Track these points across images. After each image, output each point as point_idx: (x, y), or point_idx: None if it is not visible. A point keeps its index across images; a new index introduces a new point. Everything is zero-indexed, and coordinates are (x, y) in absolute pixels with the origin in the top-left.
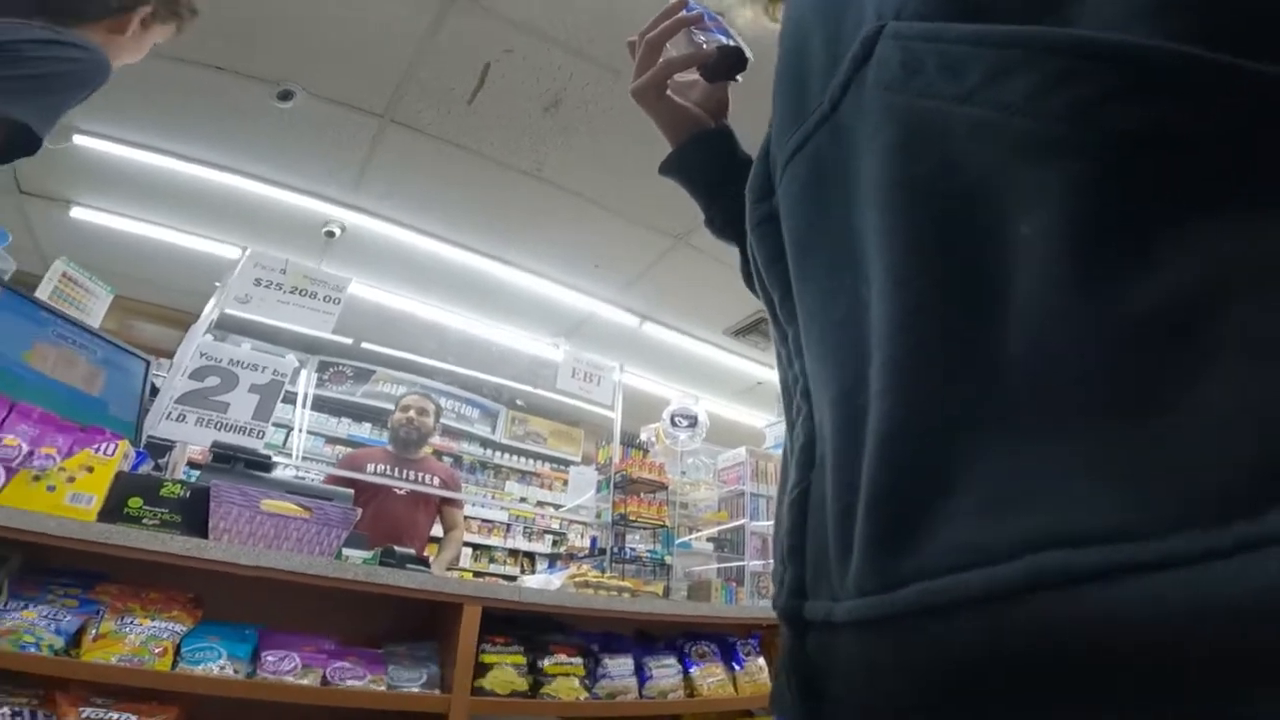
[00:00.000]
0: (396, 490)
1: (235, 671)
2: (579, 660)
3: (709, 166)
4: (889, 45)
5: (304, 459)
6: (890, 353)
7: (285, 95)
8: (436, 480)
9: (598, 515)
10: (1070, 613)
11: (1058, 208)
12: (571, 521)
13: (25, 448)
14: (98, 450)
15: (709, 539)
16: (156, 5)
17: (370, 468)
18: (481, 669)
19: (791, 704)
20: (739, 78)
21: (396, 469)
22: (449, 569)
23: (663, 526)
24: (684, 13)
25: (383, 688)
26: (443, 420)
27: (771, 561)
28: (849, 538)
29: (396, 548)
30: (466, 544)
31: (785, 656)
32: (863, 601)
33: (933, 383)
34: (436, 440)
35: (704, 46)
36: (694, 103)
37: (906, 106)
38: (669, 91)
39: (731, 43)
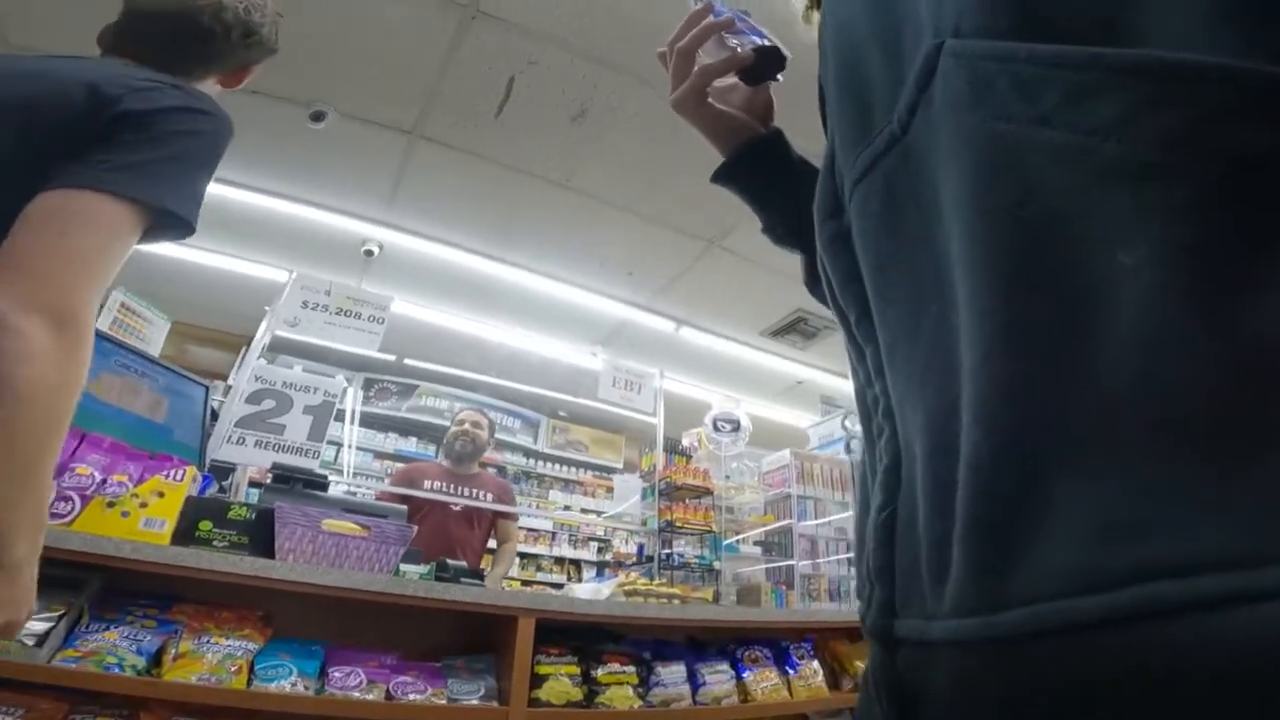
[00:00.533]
0: (452, 507)
1: (305, 688)
2: (632, 669)
3: (764, 174)
4: (950, 64)
5: (355, 475)
6: (984, 383)
7: (317, 116)
8: (490, 496)
9: (644, 522)
10: (1183, 639)
11: (1161, 235)
12: (616, 528)
13: (98, 476)
14: (167, 476)
15: (756, 542)
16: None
17: (426, 484)
18: (537, 680)
19: (883, 718)
20: (780, 77)
21: (451, 486)
22: (505, 568)
23: (709, 531)
24: (712, 17)
25: (443, 701)
26: None
27: (816, 564)
28: (945, 561)
29: (450, 561)
30: None
31: (876, 672)
32: (964, 622)
33: (1029, 412)
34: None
35: (739, 50)
36: (737, 107)
37: (980, 129)
38: (710, 99)
39: (767, 42)
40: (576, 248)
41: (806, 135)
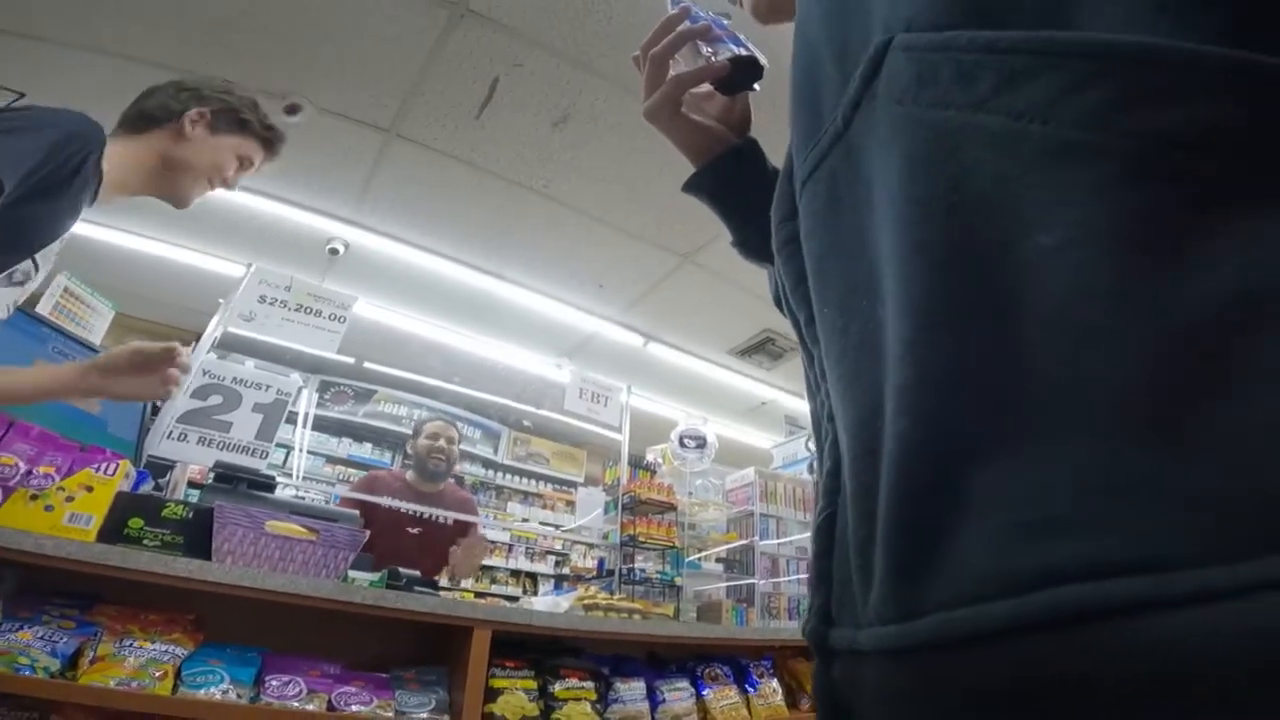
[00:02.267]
0: (409, 530)
1: (238, 696)
2: (590, 684)
3: (736, 186)
4: (899, 58)
5: (304, 479)
6: (904, 373)
7: (292, 109)
8: (448, 521)
9: (605, 536)
10: (1098, 648)
11: (1081, 217)
12: (575, 542)
13: (23, 466)
14: (98, 470)
15: (718, 559)
16: (215, 111)
17: (386, 499)
18: (492, 694)
19: None
20: (757, 86)
21: (412, 504)
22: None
23: (671, 547)
24: (688, 23)
25: (390, 714)
26: None
27: (776, 582)
28: (870, 565)
29: (402, 569)
30: None
31: (814, 683)
32: (883, 630)
33: (949, 402)
34: None
35: (714, 58)
36: (713, 117)
37: (918, 118)
38: (683, 109)
39: (744, 51)
40: (549, 257)
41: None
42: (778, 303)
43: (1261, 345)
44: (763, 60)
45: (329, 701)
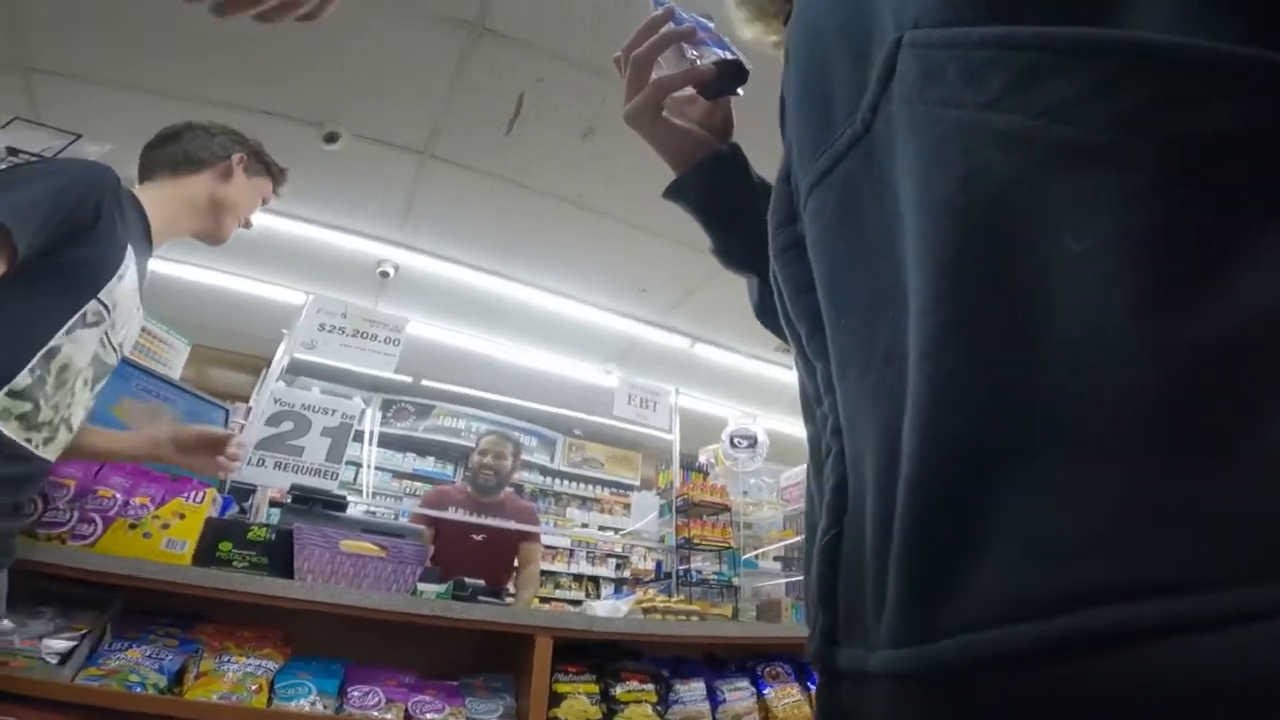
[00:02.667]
0: (474, 536)
1: (324, 707)
2: (651, 686)
3: (717, 192)
4: (908, 55)
5: (374, 494)
6: (919, 386)
7: (331, 137)
8: (512, 523)
9: (661, 540)
10: (1128, 672)
11: (1112, 221)
12: (634, 545)
13: (120, 498)
14: (188, 498)
15: (775, 558)
16: (249, 154)
17: (452, 510)
18: (555, 698)
19: None
20: (741, 91)
21: (474, 513)
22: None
23: (727, 548)
24: (672, 25)
25: None
26: None
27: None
28: (884, 586)
29: (468, 580)
30: None
31: (819, 704)
32: (897, 653)
33: (967, 416)
34: None
35: (699, 62)
36: (695, 122)
37: (928, 118)
38: (665, 112)
39: (729, 55)
40: (589, 265)
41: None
42: (760, 314)
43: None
44: (748, 64)
45: (405, 710)
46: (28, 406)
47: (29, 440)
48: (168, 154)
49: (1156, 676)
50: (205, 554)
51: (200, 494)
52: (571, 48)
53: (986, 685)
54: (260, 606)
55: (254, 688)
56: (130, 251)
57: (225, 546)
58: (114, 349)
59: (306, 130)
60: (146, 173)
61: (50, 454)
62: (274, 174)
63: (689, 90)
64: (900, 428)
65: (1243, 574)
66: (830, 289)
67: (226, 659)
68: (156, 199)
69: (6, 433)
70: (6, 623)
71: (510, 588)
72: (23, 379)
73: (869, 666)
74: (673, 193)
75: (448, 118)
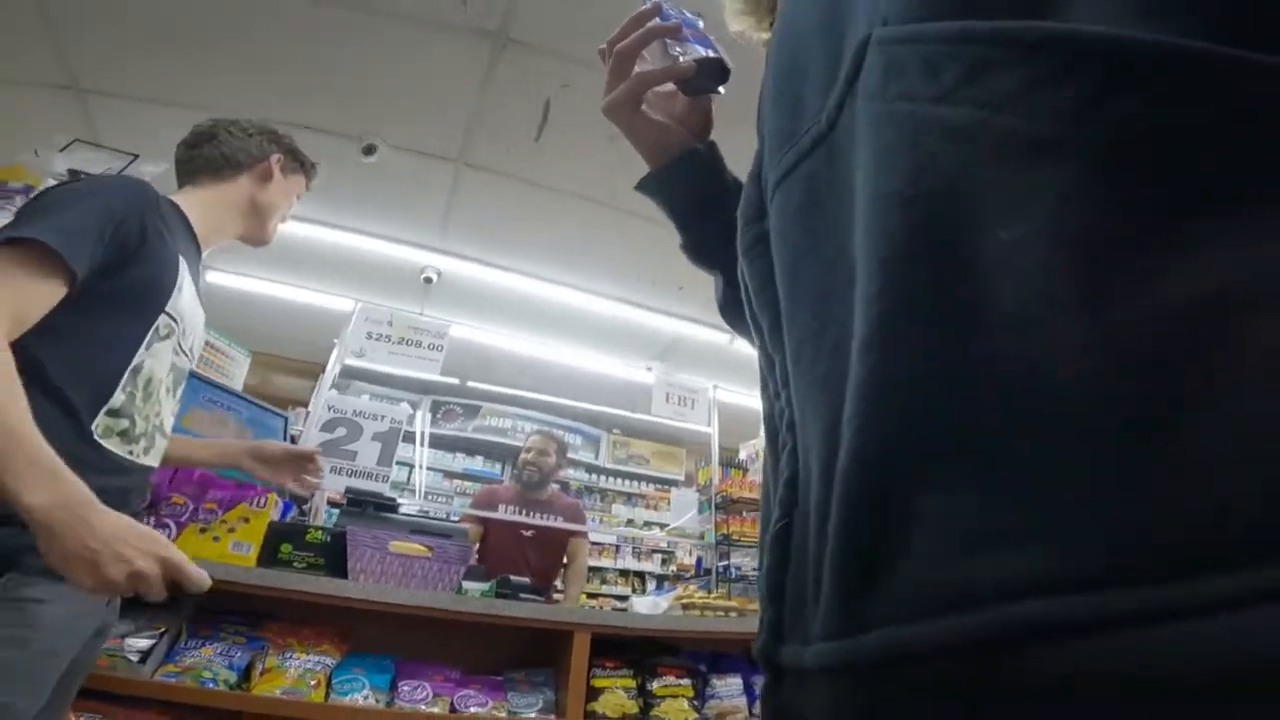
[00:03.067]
0: (523, 532)
1: (377, 701)
2: (687, 681)
3: (690, 189)
4: (874, 53)
5: (426, 495)
6: (859, 376)
7: (369, 150)
8: (560, 519)
9: (701, 536)
10: (1052, 669)
11: (1048, 212)
12: (679, 540)
13: (190, 504)
14: (252, 503)
15: None
16: (285, 153)
17: (501, 508)
18: (593, 693)
19: None
20: (722, 90)
21: (523, 510)
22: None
23: None
24: (658, 21)
25: (504, 714)
26: None
27: None
28: (821, 579)
29: (512, 577)
30: None
31: (762, 702)
32: (827, 646)
33: (899, 408)
34: None
35: (681, 59)
36: (675, 118)
37: (884, 113)
38: (645, 107)
39: (712, 54)
40: (625, 265)
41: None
42: (723, 310)
43: (1218, 357)
44: (729, 64)
45: (451, 704)
46: (126, 423)
47: (131, 452)
48: (206, 156)
49: (1074, 672)
50: (268, 556)
51: (263, 499)
52: (594, 53)
53: (909, 680)
54: (318, 605)
55: (313, 683)
56: (182, 262)
57: (286, 548)
58: (186, 354)
59: (346, 144)
60: (186, 176)
61: (152, 461)
62: (307, 171)
63: (670, 87)
64: (838, 420)
65: (1167, 570)
66: (788, 282)
67: (289, 655)
68: (199, 205)
69: (112, 449)
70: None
71: (559, 584)
72: (118, 398)
73: (804, 661)
74: (644, 186)
75: (479, 126)
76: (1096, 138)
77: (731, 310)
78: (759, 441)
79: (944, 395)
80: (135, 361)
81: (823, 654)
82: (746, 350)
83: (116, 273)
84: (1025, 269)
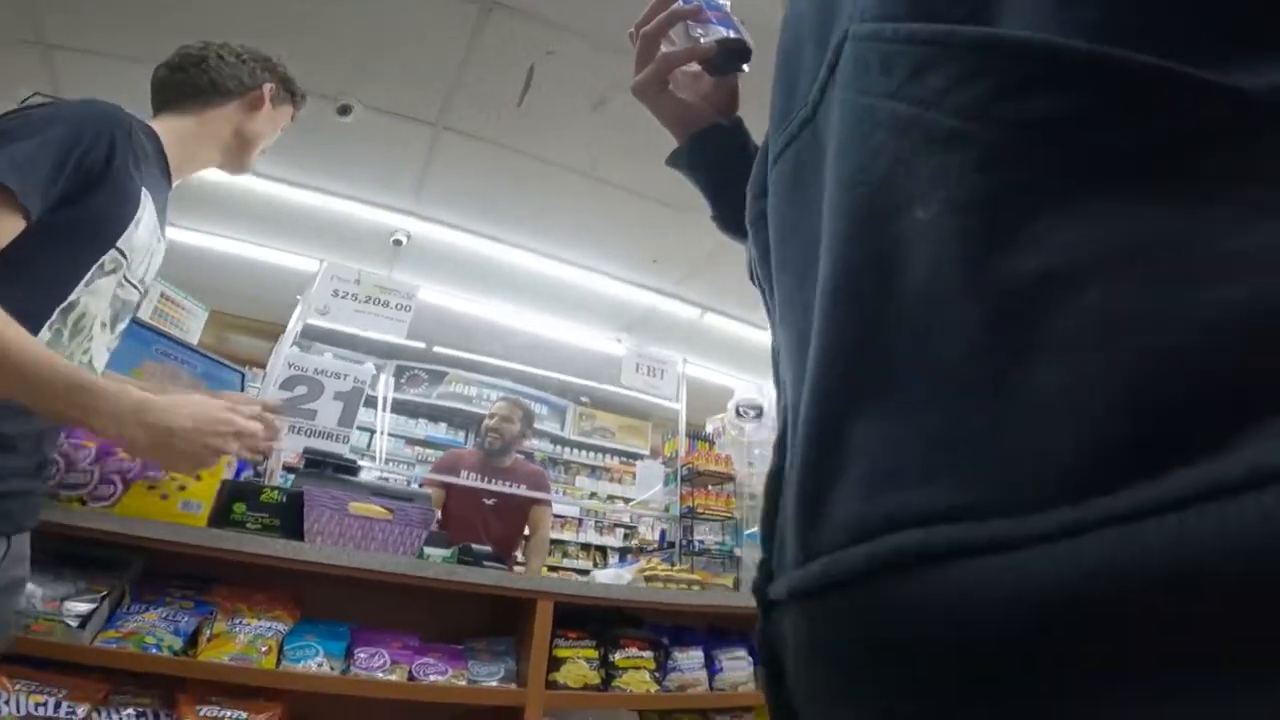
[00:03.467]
0: (484, 500)
1: (331, 668)
2: (649, 653)
3: (717, 162)
4: (849, 47)
5: (387, 460)
6: (814, 342)
7: (344, 110)
8: (522, 487)
9: (665, 509)
10: (923, 594)
11: (947, 195)
12: (642, 515)
13: (138, 460)
14: None
15: None
16: (278, 83)
17: (463, 474)
18: (555, 663)
19: (761, 684)
20: (746, 68)
21: (486, 477)
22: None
23: (731, 518)
24: (680, 4)
25: (464, 682)
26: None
27: None
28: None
29: (474, 545)
30: None
31: (756, 639)
32: (790, 575)
33: (841, 361)
34: None
35: (703, 40)
36: (702, 96)
37: (851, 104)
38: (671, 87)
39: (733, 34)
40: (600, 235)
41: None
42: (750, 275)
43: (1079, 310)
44: (750, 43)
45: (409, 672)
46: None
47: None
48: (192, 82)
49: (942, 597)
50: (220, 516)
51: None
52: (581, 20)
53: (841, 604)
54: (271, 569)
55: (264, 649)
56: (146, 195)
57: (239, 508)
58: (135, 286)
59: (321, 103)
60: (166, 101)
61: None
62: (296, 101)
63: (697, 67)
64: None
65: (1011, 504)
66: (777, 253)
67: (239, 621)
68: (177, 132)
69: None
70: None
71: (519, 555)
72: (43, 335)
73: (778, 593)
74: (673, 161)
75: (460, 90)
76: (991, 130)
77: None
78: (725, 416)
79: (868, 355)
80: (71, 299)
81: (788, 584)
82: (717, 325)
83: (73, 203)
84: (932, 241)
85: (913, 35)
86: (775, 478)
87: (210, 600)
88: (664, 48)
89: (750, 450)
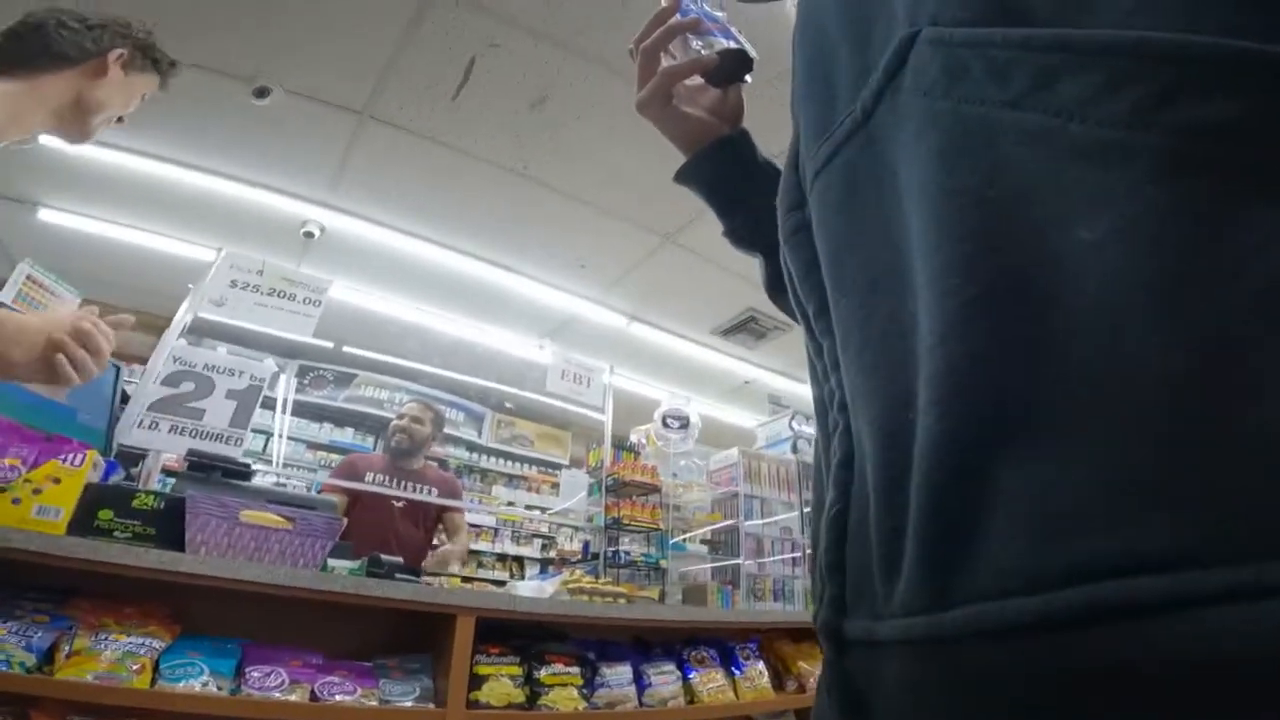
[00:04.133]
0: (395, 503)
1: (219, 688)
2: (576, 669)
3: (726, 175)
4: (926, 51)
5: (285, 465)
6: (937, 364)
7: (261, 92)
8: (434, 492)
9: (589, 519)
10: (1130, 647)
11: (1121, 212)
12: (561, 525)
13: None
14: (65, 460)
15: (703, 541)
16: (132, 50)
17: (369, 477)
18: (477, 681)
19: None
20: (749, 78)
21: (394, 480)
22: (458, 561)
23: (656, 529)
24: (678, 17)
25: (374, 703)
26: None
27: (761, 563)
28: (896, 557)
29: (384, 556)
30: None
31: (826, 674)
32: (910, 621)
33: (983, 392)
34: None
35: (703, 52)
36: (706, 108)
37: (951, 112)
38: (675, 100)
39: (733, 44)
40: (528, 237)
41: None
42: (770, 291)
43: None
44: (752, 53)
45: (312, 691)
46: None
47: None
48: (27, 47)
49: (1151, 652)
50: (82, 523)
51: (79, 456)
52: (531, 16)
53: (991, 655)
54: (145, 581)
55: (135, 667)
56: None
57: (105, 515)
58: None
59: (234, 84)
60: None
61: None
62: (163, 70)
63: (699, 79)
64: (903, 404)
65: (1238, 552)
66: (833, 270)
67: (104, 637)
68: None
69: None
70: None
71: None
72: None
73: (879, 634)
74: (681, 176)
75: (392, 78)
76: (1162, 139)
77: (777, 292)
78: (650, 427)
79: (1027, 379)
80: None
81: (904, 628)
82: (643, 336)
83: None
84: (1106, 265)
85: (1033, 40)
86: (843, 511)
87: (68, 614)
88: (664, 62)
89: (675, 462)
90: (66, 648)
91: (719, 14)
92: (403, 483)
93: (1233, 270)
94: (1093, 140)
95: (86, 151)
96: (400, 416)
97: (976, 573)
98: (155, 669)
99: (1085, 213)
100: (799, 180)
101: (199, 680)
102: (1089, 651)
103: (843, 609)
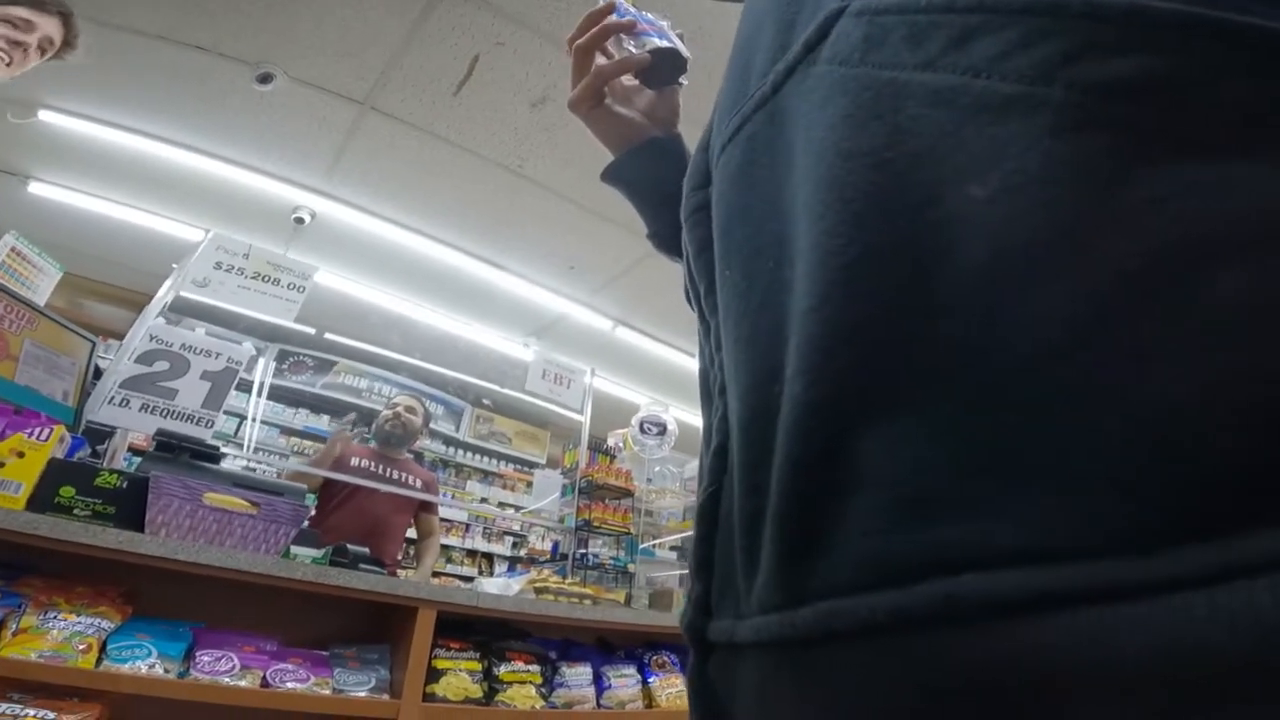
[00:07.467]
0: (378, 489)
1: (166, 671)
2: (536, 668)
3: (651, 177)
4: (849, 23)
5: (256, 450)
6: (809, 330)
7: (265, 78)
8: (418, 483)
9: (561, 520)
10: (994, 653)
11: (1014, 167)
12: (533, 524)
13: None
14: (30, 434)
15: (672, 547)
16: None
17: (354, 461)
18: (434, 674)
19: None
20: (684, 80)
21: (380, 467)
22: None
23: (626, 533)
24: (614, 17)
25: (327, 691)
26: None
27: None
28: (757, 545)
29: (350, 545)
30: None
31: (689, 680)
32: (764, 620)
33: (852, 361)
34: None
35: (635, 51)
36: (642, 111)
37: (861, 78)
38: (608, 101)
39: (666, 44)
40: (520, 236)
41: None
42: (687, 294)
43: (1192, 304)
44: (684, 53)
45: (264, 678)
46: None
47: None
48: None
49: (1010, 654)
50: (42, 499)
51: (46, 431)
52: (539, 16)
53: (844, 661)
54: (101, 561)
55: (82, 647)
56: None
57: (67, 492)
58: None
59: (239, 68)
60: None
61: None
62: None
63: (635, 81)
64: (771, 376)
65: (1111, 544)
66: (722, 243)
67: (53, 615)
68: None
69: None
70: None
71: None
72: None
73: (737, 636)
74: (607, 175)
75: (397, 71)
76: (1065, 94)
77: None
78: (628, 431)
79: (902, 345)
80: None
81: (758, 627)
82: (627, 340)
83: None
84: (993, 223)
85: (952, 4)
86: (713, 498)
87: (19, 591)
88: (599, 60)
89: (650, 467)
90: (14, 625)
91: (661, 21)
92: (388, 470)
93: (1125, 227)
94: (994, 94)
95: (84, 128)
96: (394, 406)
97: (830, 563)
98: (102, 649)
99: (980, 169)
100: (707, 159)
101: (146, 662)
102: (949, 660)
103: (707, 609)
